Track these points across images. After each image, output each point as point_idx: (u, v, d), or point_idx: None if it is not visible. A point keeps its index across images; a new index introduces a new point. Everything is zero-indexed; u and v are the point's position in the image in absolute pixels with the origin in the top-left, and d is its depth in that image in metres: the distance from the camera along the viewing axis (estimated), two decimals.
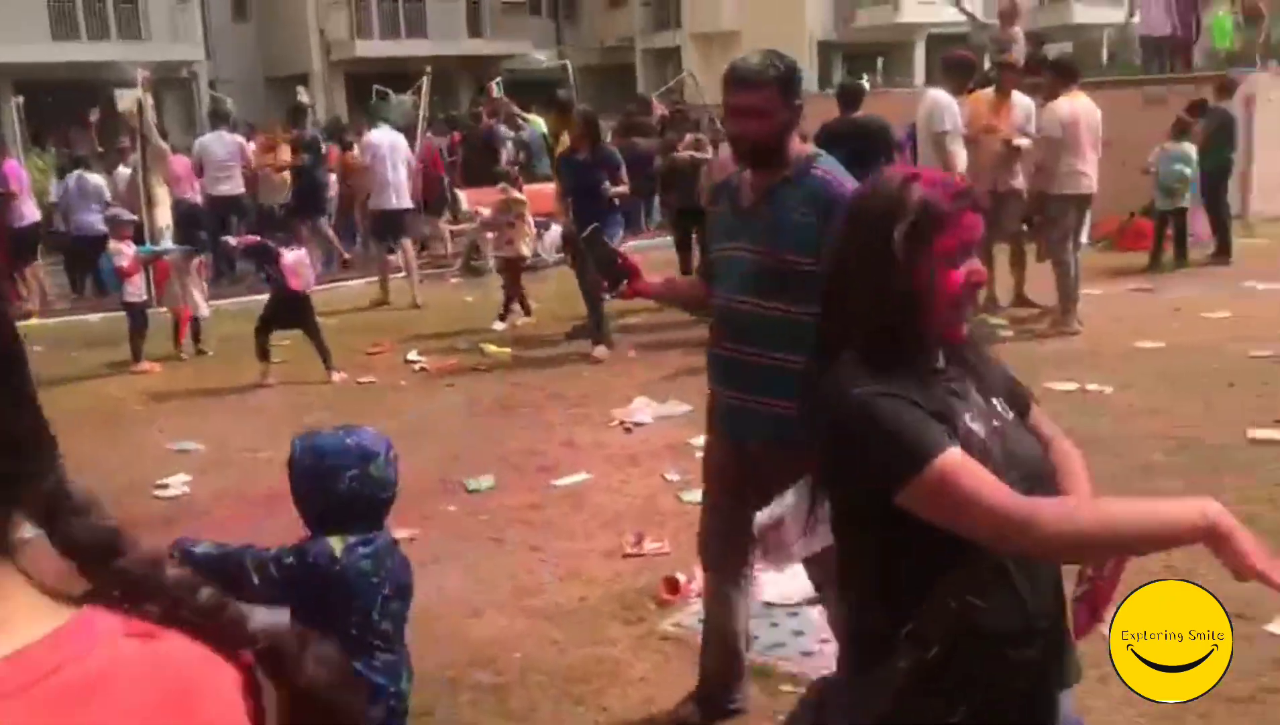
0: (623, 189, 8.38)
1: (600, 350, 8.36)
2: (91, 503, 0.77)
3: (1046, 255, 8.76)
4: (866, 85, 20.53)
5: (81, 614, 0.72)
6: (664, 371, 7.75)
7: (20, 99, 17.36)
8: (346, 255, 13.61)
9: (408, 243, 11.71)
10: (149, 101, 11.95)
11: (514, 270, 9.83)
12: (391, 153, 11.48)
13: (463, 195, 13.59)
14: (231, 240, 9.51)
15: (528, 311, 10.04)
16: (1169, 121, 11.22)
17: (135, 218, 10.06)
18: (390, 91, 18.01)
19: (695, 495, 5.25)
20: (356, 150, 13.12)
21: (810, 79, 25.21)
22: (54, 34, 23.65)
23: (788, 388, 3.01)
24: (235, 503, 5.54)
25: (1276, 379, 6.70)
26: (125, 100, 12.39)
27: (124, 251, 8.81)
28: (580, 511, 5.23)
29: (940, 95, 8.49)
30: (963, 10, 15.25)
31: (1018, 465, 1.68)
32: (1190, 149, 10.64)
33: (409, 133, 13.27)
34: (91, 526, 0.76)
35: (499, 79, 18.87)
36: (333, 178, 13.70)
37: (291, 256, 8.00)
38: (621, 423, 6.61)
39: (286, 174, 13.16)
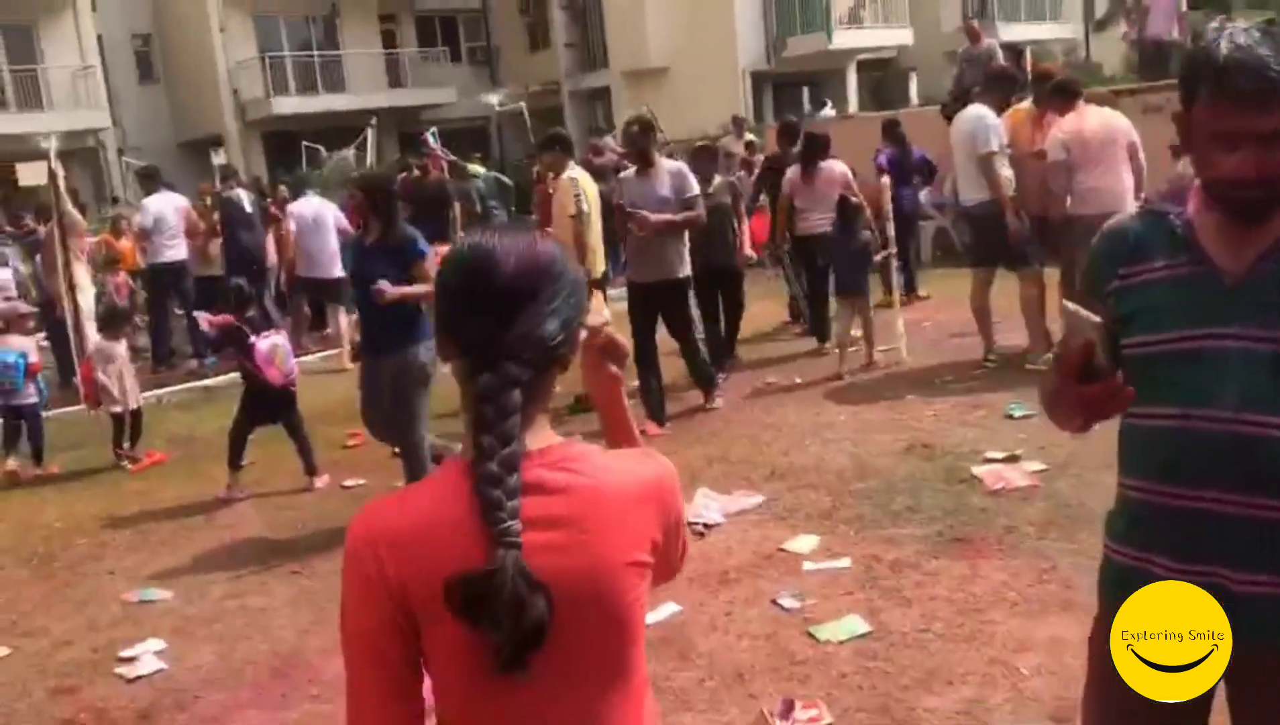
0: (421, 289, 5.66)
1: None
2: None
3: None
4: (832, 112, 19.89)
5: (569, 438, 1.46)
6: (702, 451, 6.62)
7: None
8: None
9: (341, 311, 10.94)
10: (60, 171, 10.61)
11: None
12: (317, 220, 11.02)
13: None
14: (204, 319, 8.12)
15: None
16: (1167, 129, 10.50)
17: (33, 309, 9.11)
18: (321, 148, 16.75)
19: (829, 632, 4.12)
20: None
21: (746, 111, 24.42)
22: None
23: None
24: (229, 683, 4.26)
25: None
26: (31, 173, 11.08)
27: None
28: (689, 664, 4.03)
29: (985, 113, 7.53)
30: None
31: None
32: None
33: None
34: None
35: (434, 129, 17.70)
36: (270, 243, 12.38)
37: (265, 344, 6.75)
38: (690, 525, 5.44)
39: (214, 244, 11.96)
